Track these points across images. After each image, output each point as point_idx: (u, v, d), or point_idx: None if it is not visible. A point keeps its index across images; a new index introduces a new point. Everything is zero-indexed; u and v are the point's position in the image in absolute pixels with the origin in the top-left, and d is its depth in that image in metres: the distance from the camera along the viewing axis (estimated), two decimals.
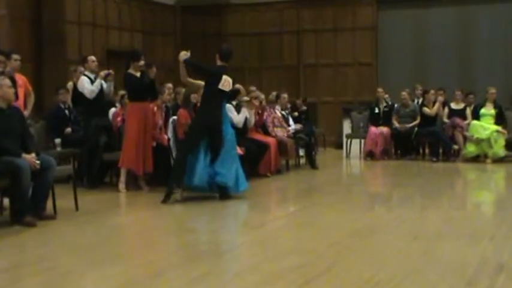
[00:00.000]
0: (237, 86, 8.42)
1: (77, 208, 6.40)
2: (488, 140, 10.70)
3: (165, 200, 6.84)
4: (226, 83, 7.01)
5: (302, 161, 10.71)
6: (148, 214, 6.58)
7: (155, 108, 8.08)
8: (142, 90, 7.76)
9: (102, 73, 8.12)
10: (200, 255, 4.77)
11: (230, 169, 7.02)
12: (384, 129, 11.42)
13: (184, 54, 7.06)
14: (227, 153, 7.05)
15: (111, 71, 8.31)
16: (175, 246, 5.14)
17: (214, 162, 6.96)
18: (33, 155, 5.72)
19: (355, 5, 14.35)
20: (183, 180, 6.93)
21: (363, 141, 11.94)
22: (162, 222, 6.33)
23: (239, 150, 7.90)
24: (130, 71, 7.80)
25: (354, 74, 14.41)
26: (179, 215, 6.58)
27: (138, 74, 7.78)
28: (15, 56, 7.85)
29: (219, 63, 7.12)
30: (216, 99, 7.00)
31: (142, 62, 7.79)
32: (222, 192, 7.05)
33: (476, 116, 11.08)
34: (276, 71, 14.81)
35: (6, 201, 6.07)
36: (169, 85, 8.98)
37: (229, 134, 7.17)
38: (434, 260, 4.42)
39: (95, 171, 8.12)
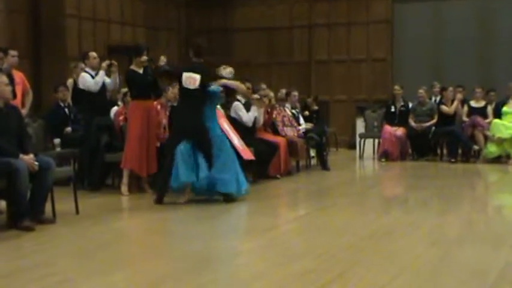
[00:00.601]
0: (232, 82, 7.75)
1: (77, 212, 6.42)
2: (510, 139, 10.65)
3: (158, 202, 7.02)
4: (189, 80, 6.99)
5: (313, 161, 10.69)
6: (151, 218, 6.57)
7: (159, 107, 8.08)
8: (145, 88, 7.76)
9: (104, 64, 8.07)
10: (206, 261, 4.76)
11: (231, 174, 6.98)
12: (399, 131, 11.36)
13: (161, 60, 7.42)
14: (225, 157, 7.00)
15: (113, 61, 8.22)
16: (180, 252, 5.13)
17: (212, 167, 6.93)
18: (31, 155, 5.73)
19: None
20: (166, 188, 7.02)
21: (376, 141, 11.91)
22: (166, 226, 6.33)
23: (249, 156, 7.89)
24: (133, 67, 7.81)
25: (368, 70, 14.39)
26: (184, 219, 6.58)
27: (140, 71, 7.79)
28: (12, 52, 7.88)
29: (194, 60, 7.19)
30: (186, 99, 7.05)
31: (144, 58, 7.79)
32: (226, 197, 7.06)
33: (497, 114, 11.03)
34: (286, 68, 14.81)
35: (3, 204, 6.09)
36: None
37: (220, 136, 7.11)
38: (453, 266, 4.40)
39: (96, 173, 8.13)
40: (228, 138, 7.49)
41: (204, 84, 7.02)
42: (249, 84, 9.08)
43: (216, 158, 6.98)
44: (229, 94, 8.21)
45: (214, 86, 7.14)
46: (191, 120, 6.96)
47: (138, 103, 7.74)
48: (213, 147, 6.98)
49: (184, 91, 7.09)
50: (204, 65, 7.17)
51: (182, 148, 6.88)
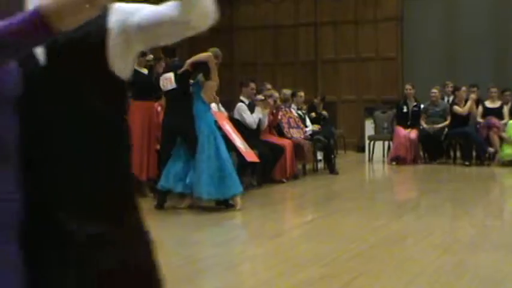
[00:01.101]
0: (199, 56, 6.99)
1: None
2: None
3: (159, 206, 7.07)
4: (165, 82, 7.15)
5: (320, 165, 10.68)
6: (152, 224, 6.46)
7: (159, 108, 8.09)
8: (147, 88, 7.78)
9: None
10: (210, 269, 4.76)
11: (212, 178, 6.76)
12: (412, 134, 11.31)
13: (160, 66, 7.91)
14: (208, 159, 6.79)
15: None
16: (182, 259, 5.13)
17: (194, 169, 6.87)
18: None
19: None
20: (167, 193, 7.10)
21: (386, 143, 11.88)
22: (168, 232, 6.32)
23: (253, 158, 7.86)
24: (135, 66, 7.81)
25: (377, 69, 14.35)
26: (187, 225, 6.58)
27: (143, 70, 7.81)
28: None
29: (167, 60, 7.39)
30: (170, 101, 7.17)
31: (151, 56, 7.82)
32: (223, 204, 7.03)
33: None
34: (292, 68, 14.79)
35: None
36: None
37: (205, 135, 6.85)
38: (467, 274, 4.38)
39: None
40: (229, 139, 7.48)
41: (180, 80, 6.97)
42: (253, 85, 9.07)
43: (199, 159, 6.78)
44: (205, 72, 7.11)
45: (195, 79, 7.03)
46: (177, 121, 6.95)
47: (138, 104, 7.74)
48: (198, 147, 6.84)
49: (166, 94, 7.22)
50: (176, 61, 7.23)
51: (178, 155, 6.92)
